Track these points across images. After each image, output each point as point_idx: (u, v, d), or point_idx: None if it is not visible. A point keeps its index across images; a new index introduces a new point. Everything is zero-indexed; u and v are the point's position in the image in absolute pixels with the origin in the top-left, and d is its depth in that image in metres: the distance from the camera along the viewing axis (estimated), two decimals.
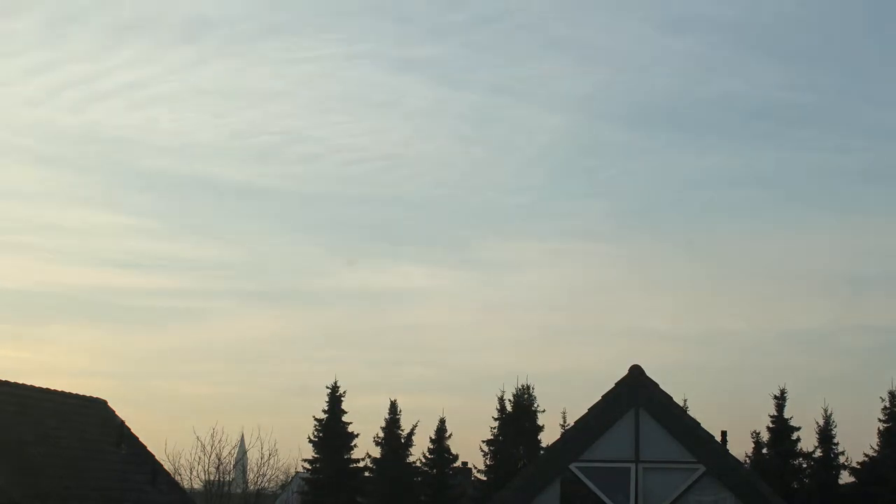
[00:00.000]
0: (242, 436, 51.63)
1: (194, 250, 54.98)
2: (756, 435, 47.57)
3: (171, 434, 69.90)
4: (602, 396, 21.70)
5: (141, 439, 30.65)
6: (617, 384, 21.66)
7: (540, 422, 49.82)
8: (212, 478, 44.09)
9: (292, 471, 55.11)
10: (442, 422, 50.49)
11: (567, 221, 65.92)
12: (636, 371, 21.66)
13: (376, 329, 61.21)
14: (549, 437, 47.33)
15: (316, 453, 50.15)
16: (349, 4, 63.71)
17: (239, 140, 58.13)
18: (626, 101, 74.27)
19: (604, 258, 67.04)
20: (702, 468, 20.90)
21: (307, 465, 50.77)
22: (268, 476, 47.33)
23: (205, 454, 43.63)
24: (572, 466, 21.22)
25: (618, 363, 19.39)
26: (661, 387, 21.74)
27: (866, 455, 46.23)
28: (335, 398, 50.29)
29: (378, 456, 50.21)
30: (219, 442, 44.11)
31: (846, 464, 47.04)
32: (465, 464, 52.23)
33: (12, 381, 26.87)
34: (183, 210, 55.84)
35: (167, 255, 55.48)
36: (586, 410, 21.90)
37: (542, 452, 40.23)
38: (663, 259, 65.44)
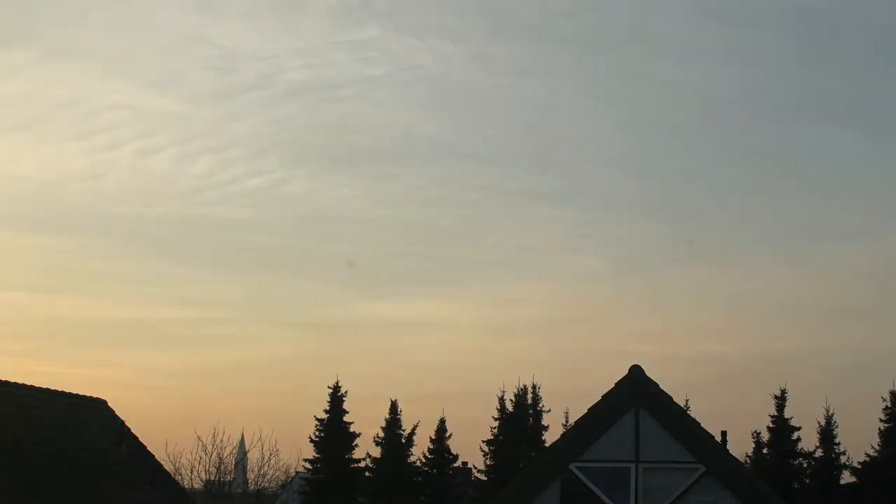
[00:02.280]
0: (243, 436, 51.63)
1: (238, 292, 69.12)
2: (756, 435, 47.59)
3: (172, 434, 73.24)
4: (602, 396, 21.65)
5: (141, 439, 30.64)
6: (617, 384, 21.60)
7: (544, 422, 49.97)
8: (212, 478, 44.09)
9: (293, 471, 55.10)
10: (442, 422, 50.55)
11: (564, 264, 71.69)
12: (636, 371, 21.61)
13: (386, 350, 68.63)
14: (553, 437, 47.38)
15: (316, 453, 50.15)
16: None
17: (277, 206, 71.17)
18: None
19: (597, 295, 72.76)
20: (702, 468, 20.86)
21: (308, 465, 50.77)
22: (268, 476, 47.36)
23: (206, 454, 43.67)
24: (572, 466, 21.18)
25: (612, 376, 20.62)
26: (661, 387, 21.73)
27: (867, 455, 46.22)
28: (336, 398, 50.29)
29: (378, 456, 50.20)
30: (220, 442, 44.15)
31: (847, 463, 47.03)
32: (465, 464, 52.27)
33: (12, 381, 26.87)
34: (229, 260, 68.96)
35: (216, 294, 68.68)
36: (586, 410, 21.89)
37: (542, 452, 40.22)
38: (652, 293, 70.92)
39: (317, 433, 50.14)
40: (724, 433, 26.20)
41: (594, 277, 72.78)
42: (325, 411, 50.23)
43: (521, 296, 71.05)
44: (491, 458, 49.40)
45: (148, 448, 30.79)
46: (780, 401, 47.74)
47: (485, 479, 49.07)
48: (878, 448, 45.98)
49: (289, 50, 73.12)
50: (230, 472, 45.78)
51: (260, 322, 72.05)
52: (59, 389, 29.06)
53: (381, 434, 50.39)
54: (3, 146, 66.82)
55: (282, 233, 72.63)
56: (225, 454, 44.64)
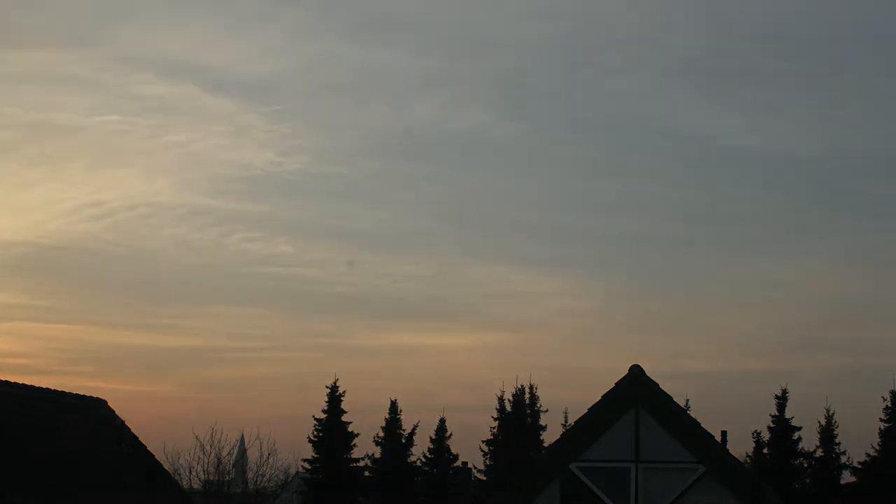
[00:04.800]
0: (242, 435, 51.52)
1: (276, 325, 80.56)
2: (756, 435, 47.54)
3: (171, 434, 78.77)
4: (602, 396, 21.62)
5: (141, 439, 30.64)
6: (617, 384, 21.57)
7: (544, 421, 49.99)
8: (211, 478, 44.02)
9: (292, 470, 55.07)
10: (442, 422, 50.54)
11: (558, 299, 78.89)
12: (636, 371, 21.58)
13: (398, 367, 75.31)
14: (552, 437, 47.39)
15: (316, 453, 50.09)
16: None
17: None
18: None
19: (588, 323, 78.83)
20: (702, 468, 20.85)
21: (307, 465, 50.72)
22: (267, 476, 47.26)
23: (204, 454, 43.59)
24: (572, 466, 21.16)
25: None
26: (661, 386, 21.71)
27: (867, 455, 46.19)
28: (335, 398, 50.24)
29: (378, 456, 50.18)
30: (218, 442, 44.08)
31: (847, 464, 47.00)
32: (465, 464, 52.17)
33: (12, 380, 26.86)
34: (280, 303, 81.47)
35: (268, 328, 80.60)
36: (586, 410, 21.87)
37: (542, 452, 40.19)
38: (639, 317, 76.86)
39: (315, 433, 50.10)
40: (724, 433, 26.14)
41: (584, 312, 79.75)
42: (324, 411, 50.18)
43: (521, 325, 78.17)
44: (491, 458, 49.39)
45: (148, 448, 30.81)
46: (781, 401, 47.72)
47: (485, 479, 49.04)
48: (878, 448, 45.95)
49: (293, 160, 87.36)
50: (229, 472, 45.72)
51: (287, 348, 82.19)
52: (59, 389, 29.07)
53: (381, 434, 50.37)
54: (81, 227, 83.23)
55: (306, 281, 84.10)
56: (223, 454, 44.61)
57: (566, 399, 74.63)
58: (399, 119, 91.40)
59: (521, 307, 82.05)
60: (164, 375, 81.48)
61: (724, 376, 69.42)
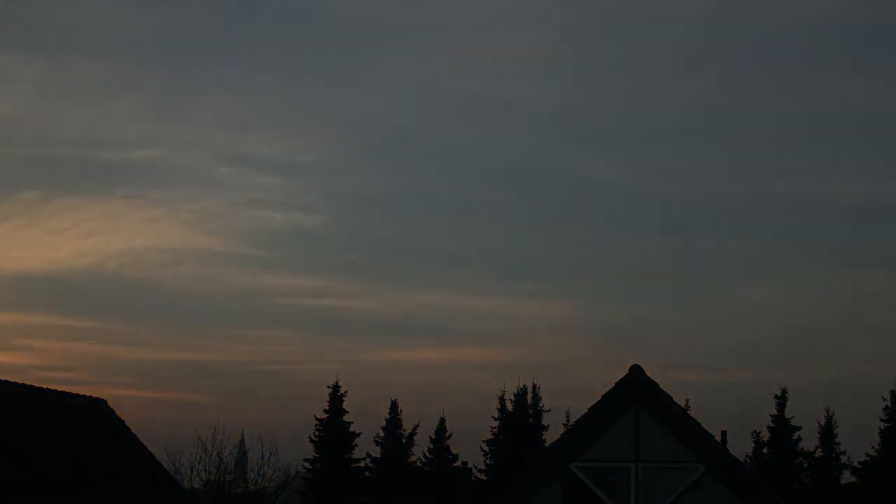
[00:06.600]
0: (243, 435, 51.69)
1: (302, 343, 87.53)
2: (756, 434, 47.55)
3: (172, 434, 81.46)
4: (602, 396, 21.63)
5: (141, 439, 30.67)
6: (617, 384, 21.58)
7: (544, 421, 50.03)
8: (212, 477, 44.07)
9: (293, 470, 55.12)
10: (442, 421, 50.56)
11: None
12: (636, 371, 21.60)
13: (401, 376, 79.74)
14: (553, 437, 47.42)
15: (316, 453, 50.13)
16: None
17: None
18: None
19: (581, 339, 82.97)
20: (702, 468, 20.86)
21: (308, 465, 50.75)
22: (268, 476, 47.35)
23: (206, 454, 43.66)
24: (572, 466, 21.17)
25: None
26: (662, 387, 21.72)
27: (867, 455, 46.20)
28: (336, 398, 50.27)
29: (378, 456, 50.21)
30: (219, 441, 44.15)
31: (847, 464, 47.02)
32: (465, 464, 52.22)
33: (13, 380, 26.88)
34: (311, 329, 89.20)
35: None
36: (586, 410, 21.88)
37: (542, 452, 40.20)
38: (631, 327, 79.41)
39: (317, 433, 50.13)
40: (724, 433, 26.19)
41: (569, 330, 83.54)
42: (325, 411, 50.22)
43: (521, 341, 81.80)
44: (491, 458, 49.41)
45: (148, 448, 30.84)
46: (781, 400, 47.74)
47: (485, 478, 49.08)
48: (878, 448, 45.97)
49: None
50: (230, 472, 45.79)
51: (301, 361, 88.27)
52: (60, 389, 29.09)
53: (381, 434, 50.40)
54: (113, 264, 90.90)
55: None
56: (225, 454, 44.68)
57: (564, 404, 76.99)
58: (401, 181, 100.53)
59: (519, 326, 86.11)
60: (198, 385, 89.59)
61: (723, 383, 70.42)
